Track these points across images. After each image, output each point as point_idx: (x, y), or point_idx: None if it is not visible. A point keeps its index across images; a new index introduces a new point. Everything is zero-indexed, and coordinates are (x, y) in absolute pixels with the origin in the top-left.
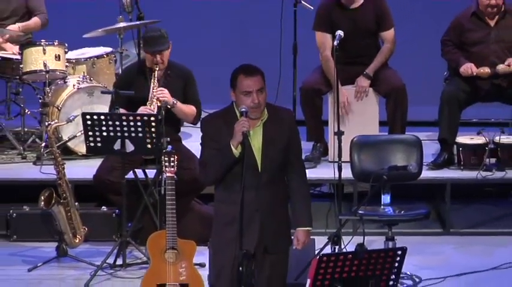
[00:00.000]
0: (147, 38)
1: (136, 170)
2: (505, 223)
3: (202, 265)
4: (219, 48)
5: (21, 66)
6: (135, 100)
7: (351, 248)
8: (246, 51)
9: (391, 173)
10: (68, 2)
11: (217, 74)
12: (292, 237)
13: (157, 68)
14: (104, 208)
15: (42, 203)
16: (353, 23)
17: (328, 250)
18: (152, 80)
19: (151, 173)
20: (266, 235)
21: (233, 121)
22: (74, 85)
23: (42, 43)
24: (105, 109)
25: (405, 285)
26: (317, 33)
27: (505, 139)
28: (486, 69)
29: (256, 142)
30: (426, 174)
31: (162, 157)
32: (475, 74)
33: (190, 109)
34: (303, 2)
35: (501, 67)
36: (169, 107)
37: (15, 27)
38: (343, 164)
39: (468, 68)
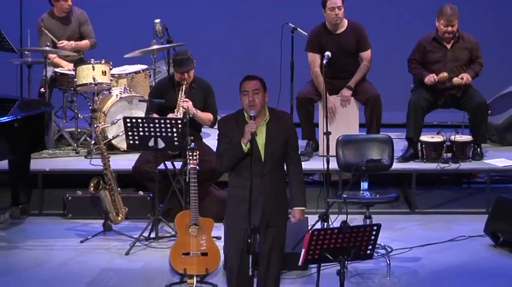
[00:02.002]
0: (176, 60)
1: (166, 162)
2: (459, 205)
3: (218, 238)
4: (232, 64)
5: (75, 80)
6: (165, 107)
7: (337, 224)
8: (254, 67)
9: (369, 165)
10: (113, 29)
11: (230, 85)
12: (290, 215)
13: (184, 83)
14: (141, 193)
15: (92, 188)
16: (338, 45)
17: (318, 226)
18: (180, 92)
19: (178, 165)
20: (268, 213)
21: (243, 122)
22: (117, 95)
23: (91, 61)
24: (142, 114)
25: (379, 254)
26: (309, 53)
27: (459, 138)
28: (445, 74)
29: (261, 139)
30: (396, 166)
31: (187, 152)
32: (437, 79)
33: (208, 117)
34: (298, 29)
35: (455, 80)
36: (190, 116)
37: (69, 43)
38: (330, 157)
39: (431, 77)
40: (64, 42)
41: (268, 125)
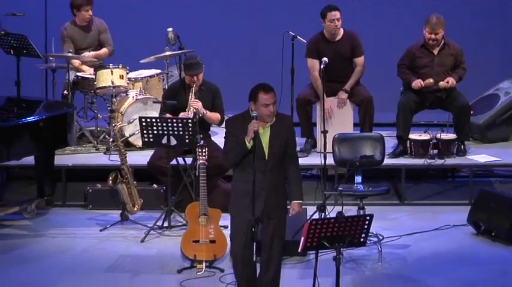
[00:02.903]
0: (187, 64)
1: (178, 158)
2: (445, 197)
3: (225, 227)
4: (238, 69)
5: (95, 83)
6: (177, 108)
7: (333, 214)
8: (258, 72)
9: (362, 161)
10: (130, 36)
11: (236, 88)
12: (289, 207)
13: (194, 85)
14: (155, 186)
15: (110, 182)
16: (334, 52)
17: (316, 216)
18: (190, 94)
19: (189, 160)
20: (269, 206)
21: (248, 122)
22: (133, 97)
23: (110, 66)
24: (156, 114)
25: (372, 241)
26: (308, 59)
27: (444, 136)
28: (431, 80)
29: (265, 138)
30: (387, 161)
31: (197, 149)
32: (423, 85)
33: (216, 116)
34: (298, 37)
35: (441, 83)
36: (200, 115)
37: (90, 55)
38: (327, 154)
39: (418, 82)
40: (85, 54)
41: (272, 127)
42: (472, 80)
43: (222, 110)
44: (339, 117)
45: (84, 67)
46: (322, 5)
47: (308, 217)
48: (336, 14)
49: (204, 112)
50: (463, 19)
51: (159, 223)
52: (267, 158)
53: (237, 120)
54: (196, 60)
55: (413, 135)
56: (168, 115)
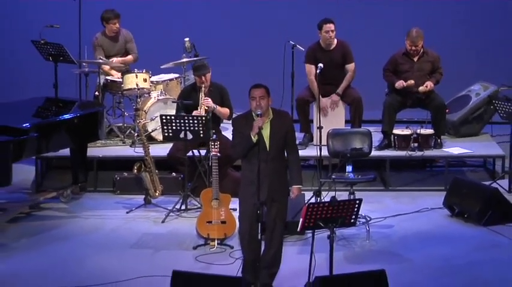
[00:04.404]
0: (195, 67)
1: (193, 150)
2: (423, 184)
3: (234, 210)
4: (245, 74)
5: (122, 85)
6: (192, 107)
7: (327, 199)
8: (262, 76)
9: (352, 152)
10: (152, 45)
11: (243, 90)
12: (290, 192)
13: (203, 85)
14: (173, 174)
15: (135, 170)
16: (329, 59)
17: (313, 200)
18: (200, 94)
19: (203, 152)
20: (273, 190)
21: (251, 120)
22: (155, 97)
23: (135, 71)
24: (174, 112)
25: (361, 221)
26: (306, 65)
27: (423, 131)
28: (412, 81)
29: (266, 132)
30: (374, 153)
31: (210, 142)
32: (405, 85)
33: (225, 111)
34: (297, 46)
35: (421, 88)
36: (212, 110)
37: (117, 61)
38: (322, 147)
39: (400, 83)
40: (114, 60)
41: (272, 122)
42: (447, 83)
43: (230, 106)
44: (332, 115)
45: (113, 72)
46: (320, 17)
47: (306, 201)
48: (331, 26)
49: (214, 107)
50: (440, 30)
51: (177, 206)
52: (268, 149)
53: (241, 119)
54: (203, 63)
55: (396, 131)
56: (184, 113)
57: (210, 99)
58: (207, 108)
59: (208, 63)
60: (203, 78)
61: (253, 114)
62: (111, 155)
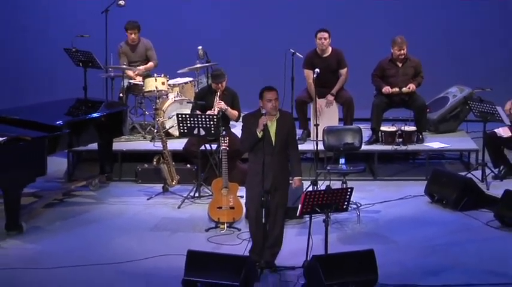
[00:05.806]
0: (214, 75)
1: (206, 145)
2: (407, 174)
3: (241, 197)
4: (252, 77)
5: (143, 88)
6: (205, 107)
7: (323, 188)
8: (267, 79)
9: (345, 147)
10: (170, 52)
11: (249, 92)
12: (291, 181)
13: (218, 90)
14: (188, 165)
15: (155, 162)
16: (325, 64)
17: (310, 189)
18: (216, 97)
19: (214, 146)
20: (276, 180)
21: (258, 118)
22: (172, 98)
23: (155, 75)
24: (189, 111)
25: (353, 207)
26: (304, 70)
27: (407, 128)
28: (396, 89)
29: (273, 129)
30: (364, 147)
31: (220, 138)
32: (391, 91)
33: (234, 113)
34: (297, 53)
35: (404, 89)
36: (223, 111)
37: (141, 68)
38: (318, 141)
39: (386, 89)
40: (138, 68)
41: (278, 121)
42: (428, 86)
43: (239, 110)
44: (327, 114)
45: (136, 76)
46: (316, 28)
47: (304, 190)
48: (324, 35)
49: (227, 107)
50: (421, 38)
51: (192, 194)
52: (274, 144)
53: (250, 117)
54: (221, 72)
55: (383, 128)
56: (198, 112)
57: (223, 103)
58: (218, 109)
59: (225, 71)
60: (220, 85)
61: (261, 112)
62: (133, 148)
